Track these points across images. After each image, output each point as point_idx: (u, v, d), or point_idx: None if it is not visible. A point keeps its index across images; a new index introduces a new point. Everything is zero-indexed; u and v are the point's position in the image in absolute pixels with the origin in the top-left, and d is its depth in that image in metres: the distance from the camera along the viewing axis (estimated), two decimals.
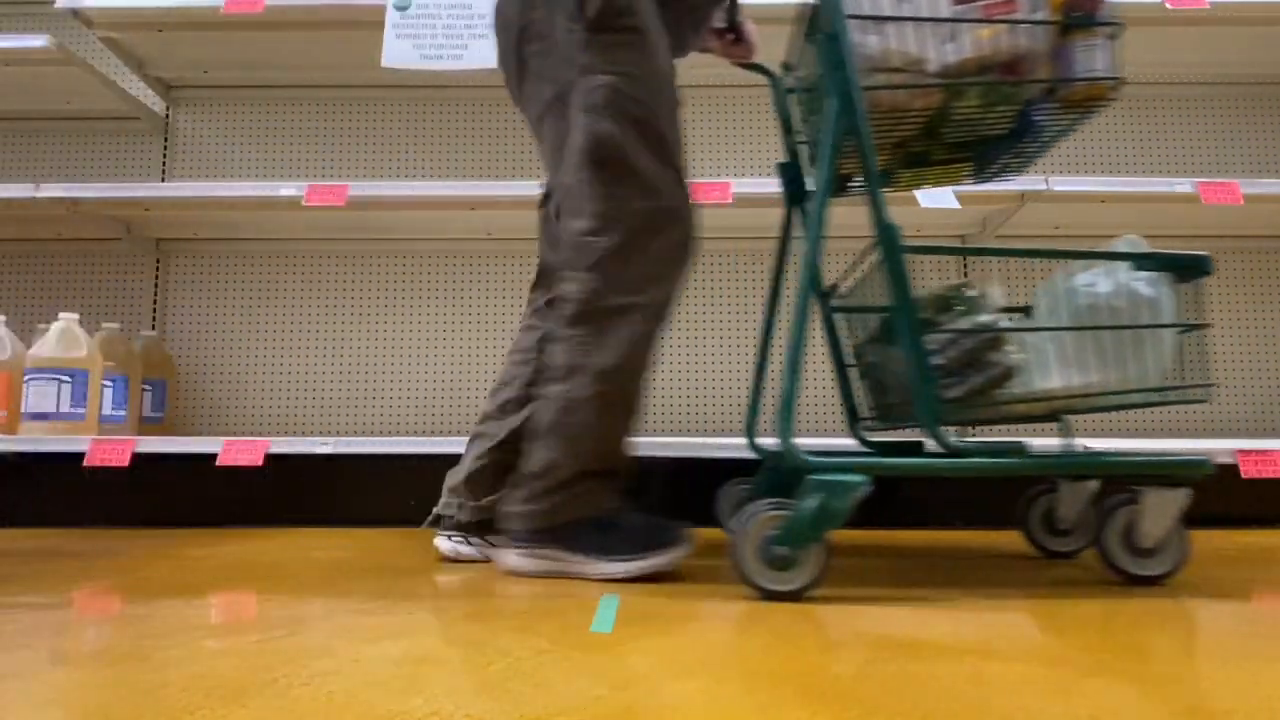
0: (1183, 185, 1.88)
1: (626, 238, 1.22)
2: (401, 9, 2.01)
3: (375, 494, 1.97)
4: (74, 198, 1.99)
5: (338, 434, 2.26)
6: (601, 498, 1.25)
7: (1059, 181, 1.91)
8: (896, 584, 1.18)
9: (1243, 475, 1.69)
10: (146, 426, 2.11)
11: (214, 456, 1.79)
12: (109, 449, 1.79)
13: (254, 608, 1.02)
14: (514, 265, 2.34)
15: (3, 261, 2.35)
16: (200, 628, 0.90)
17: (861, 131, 1.12)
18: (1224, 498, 1.82)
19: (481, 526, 1.37)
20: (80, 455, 1.78)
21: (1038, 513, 1.43)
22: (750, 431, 1.52)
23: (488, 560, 1.37)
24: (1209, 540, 1.62)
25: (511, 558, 1.27)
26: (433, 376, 2.30)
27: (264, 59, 2.28)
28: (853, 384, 1.53)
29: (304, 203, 1.92)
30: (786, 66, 1.49)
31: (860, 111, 1.12)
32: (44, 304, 2.32)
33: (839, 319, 1.53)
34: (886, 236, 1.12)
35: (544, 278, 1.45)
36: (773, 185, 1.94)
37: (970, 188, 1.90)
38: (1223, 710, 0.63)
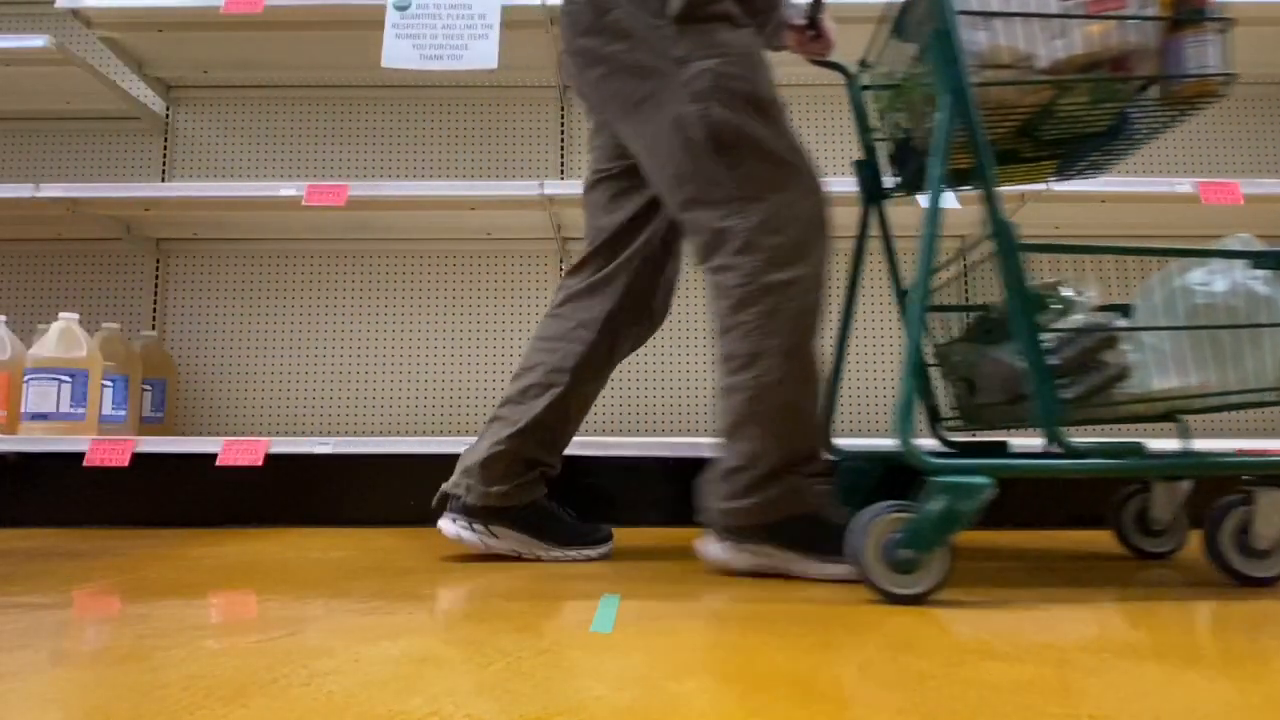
0: (1183, 185, 1.88)
1: (770, 211, 1.22)
2: (401, 9, 2.01)
3: (375, 494, 1.97)
4: (74, 198, 1.99)
5: (338, 434, 2.26)
6: (808, 491, 1.23)
7: (1059, 181, 1.91)
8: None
9: (1243, 476, 1.69)
10: (146, 426, 2.11)
11: (214, 456, 1.79)
12: (109, 449, 1.79)
13: (254, 608, 1.02)
14: (514, 265, 2.34)
15: (3, 261, 2.35)
16: (200, 628, 0.90)
17: (975, 128, 1.11)
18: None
19: (487, 513, 1.36)
20: (80, 455, 1.78)
21: (1130, 513, 1.42)
22: (825, 432, 1.49)
23: (488, 550, 1.37)
24: None
25: (720, 552, 1.25)
26: (432, 376, 2.30)
27: (264, 59, 2.29)
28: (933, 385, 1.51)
29: (304, 203, 1.92)
30: (864, 63, 1.48)
31: (974, 108, 1.11)
32: (44, 304, 2.33)
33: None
34: (1003, 234, 1.10)
35: (585, 266, 1.44)
36: None
37: (970, 187, 1.90)
38: None
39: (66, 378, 1.88)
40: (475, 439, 1.44)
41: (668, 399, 2.28)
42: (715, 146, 1.22)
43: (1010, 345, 1.23)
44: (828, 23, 1.50)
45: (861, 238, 1.50)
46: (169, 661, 0.76)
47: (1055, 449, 1.10)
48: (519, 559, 1.39)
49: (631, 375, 2.29)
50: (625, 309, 1.42)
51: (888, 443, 1.72)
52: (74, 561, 1.39)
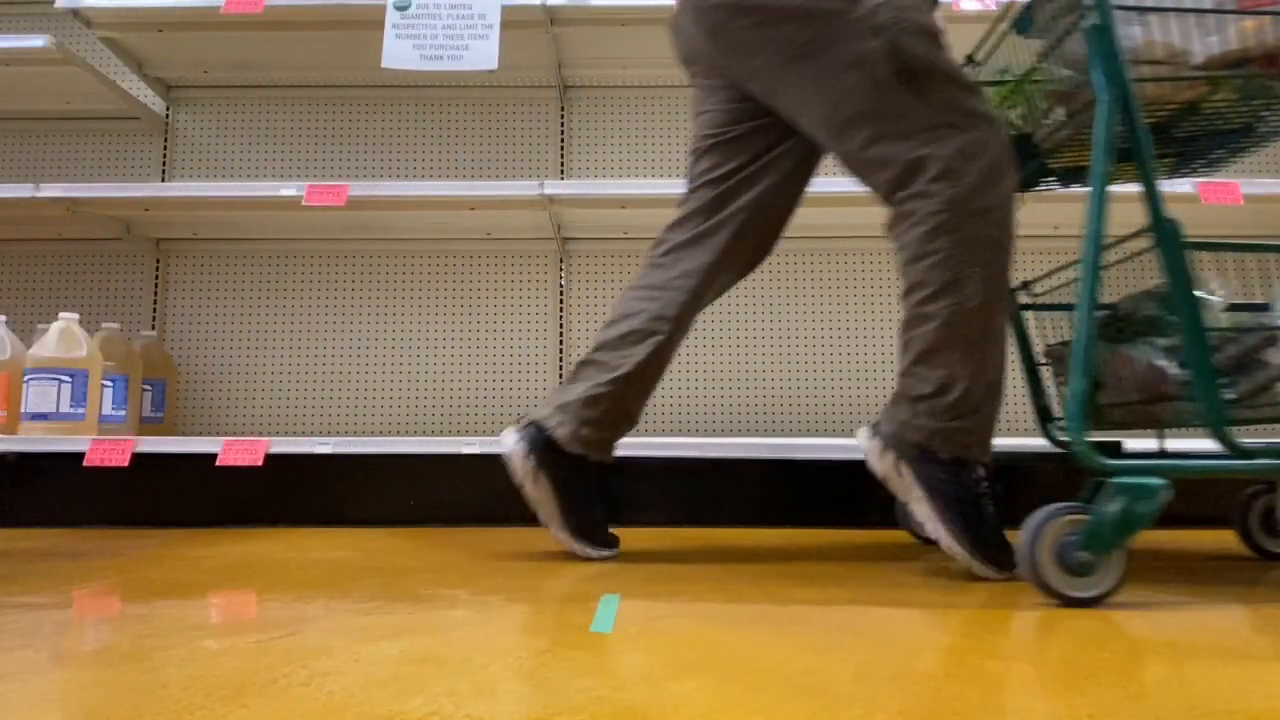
0: (1183, 185, 1.88)
1: (967, 138, 1.20)
2: (401, 9, 2.01)
3: (375, 494, 1.97)
4: (74, 198, 1.99)
5: (338, 434, 2.26)
6: (987, 443, 1.22)
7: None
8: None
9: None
10: (146, 426, 2.11)
11: (214, 456, 1.79)
12: (109, 449, 1.79)
13: (254, 608, 1.02)
14: (514, 265, 2.34)
15: (3, 261, 2.35)
16: (200, 628, 0.90)
17: (1137, 123, 1.10)
18: (1225, 498, 1.81)
19: (554, 455, 1.35)
20: (80, 455, 1.78)
21: (1256, 513, 1.41)
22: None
23: (519, 486, 1.36)
24: None
25: (878, 460, 1.25)
26: (432, 376, 2.30)
27: (264, 59, 2.29)
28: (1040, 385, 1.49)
29: (304, 203, 1.92)
30: (970, 59, 1.48)
31: (1134, 103, 1.10)
32: (44, 304, 2.33)
33: (1028, 317, 1.50)
34: (1167, 232, 1.09)
35: (690, 219, 1.45)
36: None
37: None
38: None
39: (66, 378, 1.88)
40: (564, 385, 1.41)
41: (668, 399, 2.28)
42: (907, 77, 1.21)
43: (1146, 343, 1.21)
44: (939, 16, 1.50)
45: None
46: (169, 661, 0.76)
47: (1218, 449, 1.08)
48: (523, 519, 1.37)
49: None
50: (723, 261, 1.43)
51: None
52: (74, 561, 1.39)
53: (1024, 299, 1.51)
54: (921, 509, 1.21)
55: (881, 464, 1.24)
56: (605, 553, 1.41)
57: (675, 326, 1.39)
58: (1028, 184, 1.44)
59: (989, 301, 1.20)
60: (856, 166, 1.31)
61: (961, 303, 1.19)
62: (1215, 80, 1.17)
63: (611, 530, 1.44)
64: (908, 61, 1.21)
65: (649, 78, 2.37)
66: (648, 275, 1.44)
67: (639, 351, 1.37)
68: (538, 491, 1.37)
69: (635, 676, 0.72)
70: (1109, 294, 1.30)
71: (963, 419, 1.20)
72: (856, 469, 1.86)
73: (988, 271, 1.20)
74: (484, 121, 2.40)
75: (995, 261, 1.21)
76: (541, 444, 1.36)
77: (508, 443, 1.37)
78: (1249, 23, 1.15)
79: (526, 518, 1.42)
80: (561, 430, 1.36)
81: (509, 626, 0.91)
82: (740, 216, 1.43)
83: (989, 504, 1.21)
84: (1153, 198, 1.11)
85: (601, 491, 1.44)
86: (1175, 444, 1.75)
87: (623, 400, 1.38)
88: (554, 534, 1.39)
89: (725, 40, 1.35)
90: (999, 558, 1.19)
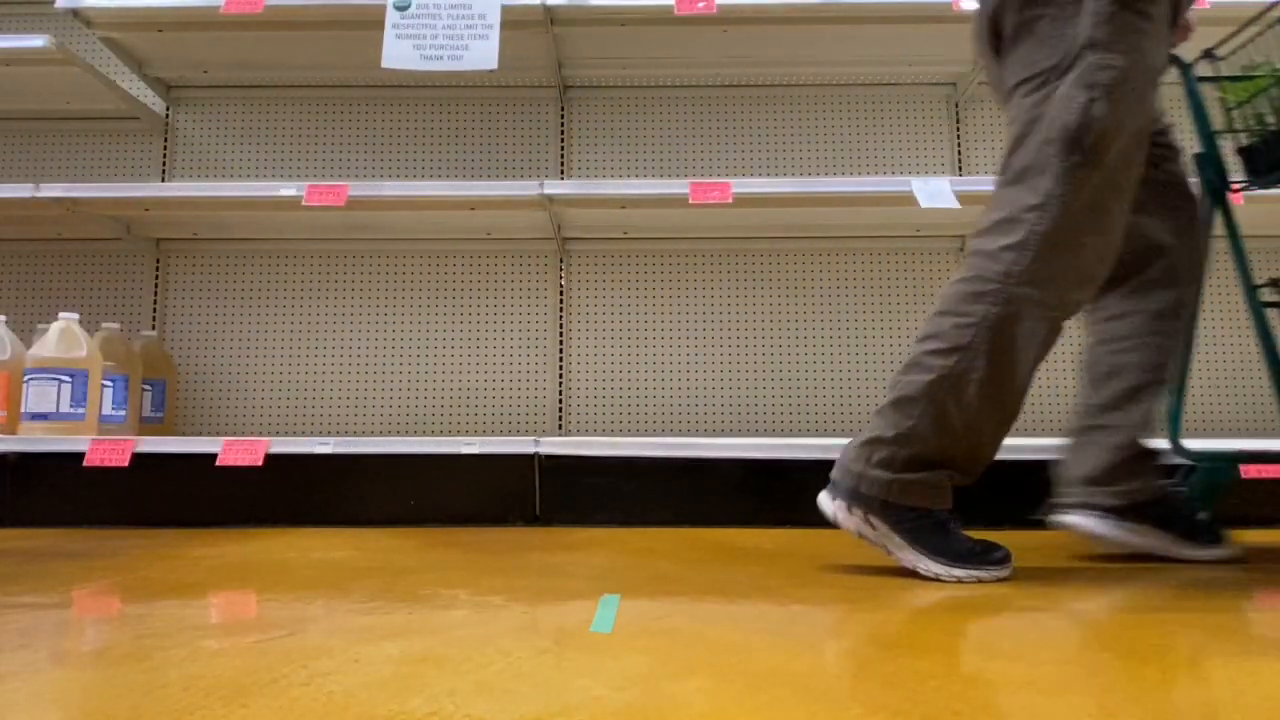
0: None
1: (1068, 232, 1.17)
2: (401, 9, 2.01)
3: (375, 494, 1.96)
4: (74, 198, 1.99)
5: (338, 434, 2.26)
6: (944, 492, 1.22)
7: None
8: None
9: (1242, 475, 1.69)
10: (146, 426, 2.11)
11: (214, 456, 1.79)
12: (109, 449, 1.79)
13: (254, 608, 1.02)
14: (514, 265, 2.34)
15: (3, 261, 2.35)
16: (200, 628, 0.90)
17: None
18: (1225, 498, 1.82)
19: (1130, 511, 1.35)
20: (80, 455, 1.78)
21: None
22: (1175, 433, 1.46)
23: (1138, 547, 1.36)
24: None
25: (832, 507, 1.25)
26: (432, 376, 2.30)
27: (264, 59, 2.29)
28: None
29: (304, 203, 1.92)
30: (1209, 53, 1.47)
31: None
32: (44, 304, 2.32)
33: (1272, 315, 1.48)
34: None
35: (1137, 264, 1.39)
36: (773, 185, 1.95)
37: (969, 187, 1.90)
38: None
39: (66, 378, 1.88)
40: (1068, 448, 1.41)
41: (668, 399, 2.28)
42: (1074, 141, 1.17)
43: None
44: (1192, 16, 1.45)
45: (1207, 234, 1.45)
46: (169, 661, 0.76)
47: None
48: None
49: (632, 375, 2.29)
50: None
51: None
52: (74, 561, 1.39)
53: (1269, 296, 1.48)
54: (904, 555, 1.20)
55: (851, 522, 1.23)
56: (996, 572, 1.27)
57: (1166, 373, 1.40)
58: (1275, 181, 1.42)
59: (987, 385, 1.18)
60: (997, 191, 1.28)
61: (957, 367, 1.18)
62: None
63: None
64: (1088, 130, 1.16)
65: (649, 78, 2.37)
66: (1106, 328, 1.41)
67: (1143, 409, 1.37)
68: (1141, 539, 1.35)
69: (635, 676, 0.72)
70: None
71: (915, 473, 1.20)
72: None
73: (1007, 361, 1.18)
74: (484, 121, 2.40)
75: (1020, 357, 1.19)
76: (1123, 510, 1.36)
77: (1093, 526, 1.36)
78: None
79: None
80: (1114, 501, 1.36)
81: (509, 626, 0.91)
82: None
83: (952, 520, 1.21)
84: None
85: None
86: None
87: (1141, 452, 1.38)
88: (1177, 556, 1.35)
89: (992, 52, 1.34)
90: (988, 559, 1.19)
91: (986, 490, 1.33)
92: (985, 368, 1.18)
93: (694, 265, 2.33)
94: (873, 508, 1.21)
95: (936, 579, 1.18)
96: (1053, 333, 1.22)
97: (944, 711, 0.63)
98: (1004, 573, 1.19)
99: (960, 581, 1.18)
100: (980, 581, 1.18)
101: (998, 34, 1.30)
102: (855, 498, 1.22)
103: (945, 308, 1.22)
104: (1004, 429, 1.23)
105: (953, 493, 1.23)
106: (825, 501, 1.27)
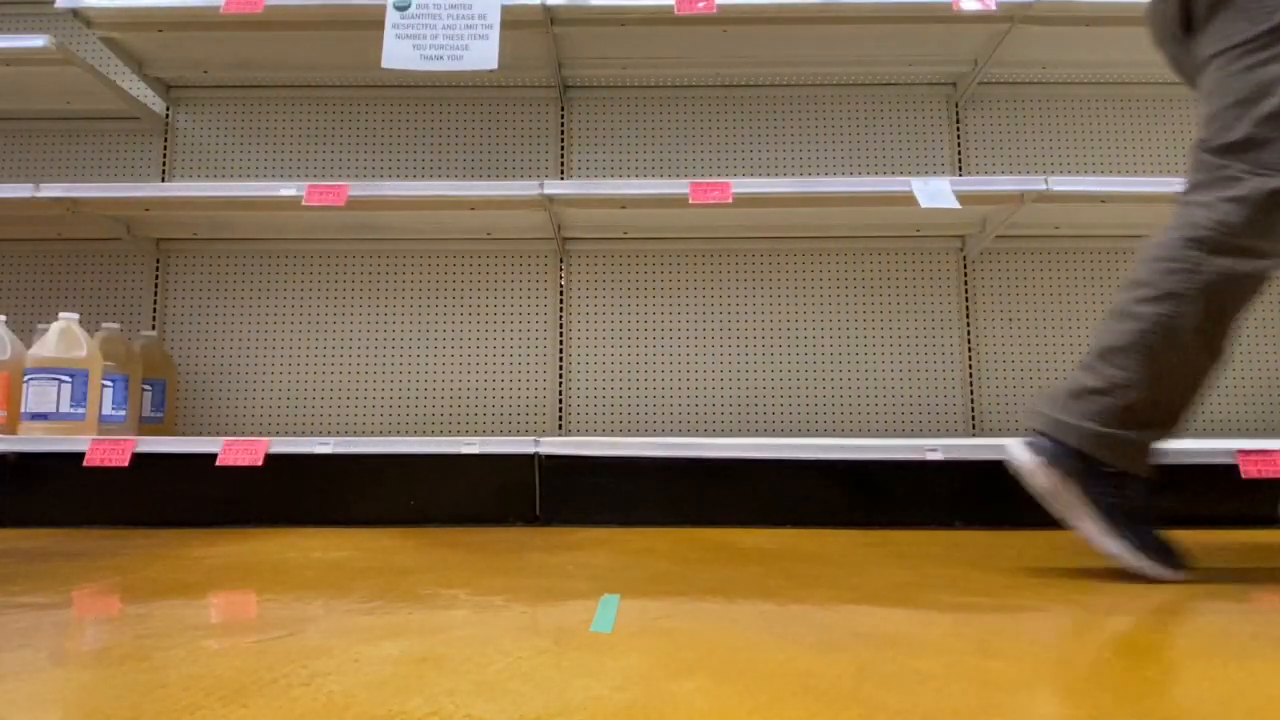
0: (1183, 185, 1.88)
1: None
2: (401, 9, 2.01)
3: (375, 494, 1.96)
4: (74, 198, 1.99)
5: (338, 434, 2.26)
6: (1147, 457, 1.20)
7: (1059, 181, 1.91)
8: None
9: (1243, 475, 1.69)
10: (146, 426, 2.11)
11: (214, 456, 1.79)
12: (109, 449, 1.79)
13: (254, 608, 1.02)
14: (514, 265, 2.34)
15: (3, 261, 2.35)
16: (200, 628, 0.90)
17: None
18: (1225, 498, 1.82)
19: None
20: (80, 455, 1.78)
21: None
22: None
23: None
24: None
25: (1027, 460, 1.22)
26: (432, 376, 2.30)
27: (264, 59, 2.29)
28: None
29: (304, 203, 1.92)
30: None
31: None
32: (44, 304, 2.33)
33: None
34: None
35: None
36: (772, 185, 1.95)
37: (969, 187, 1.90)
38: None
39: (66, 378, 1.88)
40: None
41: (669, 398, 2.28)
42: None
43: None
44: None
45: None
46: (169, 661, 0.76)
47: None
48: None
49: (633, 374, 2.29)
50: None
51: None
52: (74, 561, 1.39)
53: None
54: (1086, 526, 1.18)
55: (1044, 481, 1.20)
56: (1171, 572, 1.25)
57: None
58: None
59: (1199, 332, 1.16)
60: (1196, 164, 1.25)
61: (1169, 316, 1.16)
62: None
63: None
64: None
65: (649, 78, 2.37)
66: None
67: None
68: None
69: (635, 676, 0.72)
70: None
71: (1127, 430, 1.17)
72: (856, 469, 1.87)
73: (1218, 304, 1.16)
74: (484, 121, 2.40)
75: (1231, 302, 1.17)
76: None
77: None
78: None
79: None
80: None
81: (509, 626, 0.91)
82: None
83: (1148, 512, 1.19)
84: None
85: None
86: None
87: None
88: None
89: (1181, 24, 1.32)
90: (1170, 559, 1.17)
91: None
92: (1198, 314, 1.16)
93: (694, 265, 2.33)
94: (1073, 471, 1.19)
95: (1118, 560, 1.16)
96: (1257, 289, 1.19)
97: (944, 711, 0.63)
98: (1177, 576, 1.17)
99: (1142, 573, 1.16)
100: (1156, 579, 1.16)
101: (1187, 13, 1.29)
102: (1058, 458, 1.20)
103: (1158, 253, 1.20)
104: (1210, 378, 1.21)
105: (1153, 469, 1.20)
106: (1020, 453, 1.23)
